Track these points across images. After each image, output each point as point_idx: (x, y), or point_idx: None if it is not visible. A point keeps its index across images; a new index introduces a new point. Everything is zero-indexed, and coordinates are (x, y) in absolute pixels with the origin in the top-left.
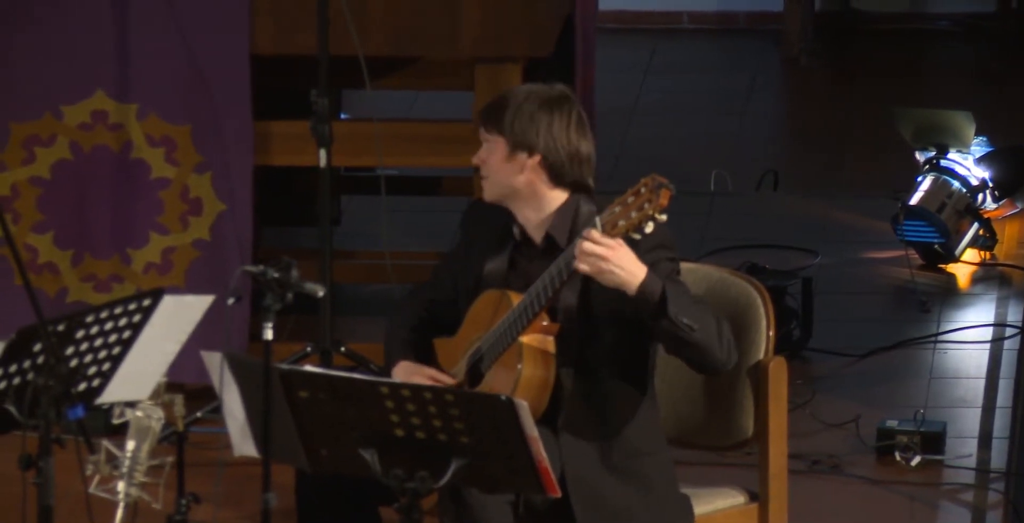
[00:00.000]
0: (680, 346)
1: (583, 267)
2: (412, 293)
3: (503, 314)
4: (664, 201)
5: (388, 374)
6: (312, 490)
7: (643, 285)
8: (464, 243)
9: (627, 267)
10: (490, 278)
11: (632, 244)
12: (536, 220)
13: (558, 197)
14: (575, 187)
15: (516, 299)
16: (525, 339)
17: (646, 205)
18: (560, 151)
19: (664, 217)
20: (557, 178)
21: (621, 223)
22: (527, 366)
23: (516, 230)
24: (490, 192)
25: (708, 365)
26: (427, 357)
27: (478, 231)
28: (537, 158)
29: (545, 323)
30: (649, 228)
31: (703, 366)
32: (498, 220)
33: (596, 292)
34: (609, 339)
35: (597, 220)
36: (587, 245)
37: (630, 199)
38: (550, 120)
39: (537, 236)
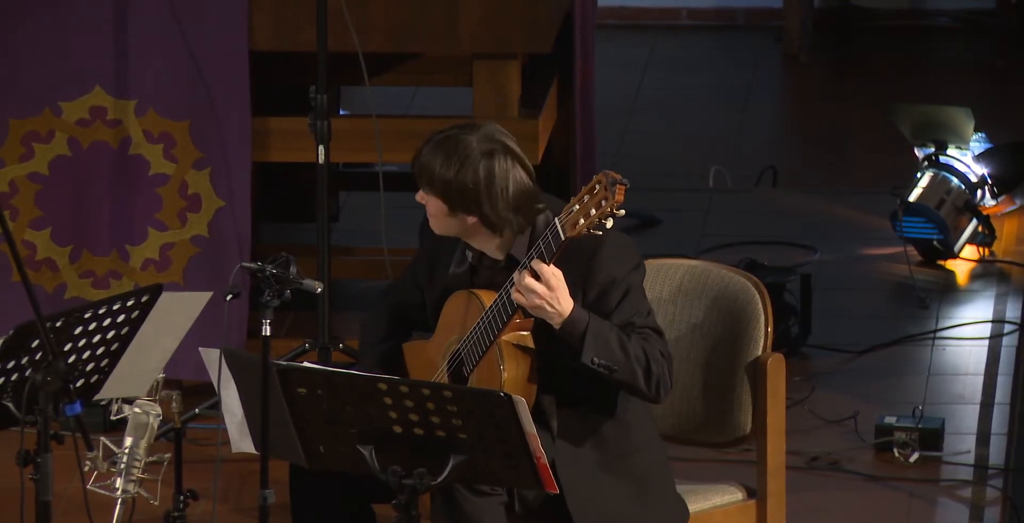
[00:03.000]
0: (602, 380)
1: (519, 298)
2: (382, 296)
3: (474, 314)
4: (620, 197)
5: None
6: (306, 486)
7: (567, 322)
8: (426, 252)
9: (558, 306)
10: (453, 287)
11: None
12: (493, 246)
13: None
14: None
15: (485, 297)
16: (504, 339)
17: (603, 202)
18: (500, 208)
19: (622, 212)
20: (497, 229)
21: (581, 222)
22: (509, 367)
23: (470, 255)
24: (436, 229)
25: (636, 396)
26: (401, 364)
27: (438, 241)
28: (475, 219)
29: (519, 320)
30: (609, 224)
31: (632, 395)
32: None
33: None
34: None
35: (556, 221)
36: (528, 281)
37: (586, 198)
38: (489, 181)
39: (498, 255)
